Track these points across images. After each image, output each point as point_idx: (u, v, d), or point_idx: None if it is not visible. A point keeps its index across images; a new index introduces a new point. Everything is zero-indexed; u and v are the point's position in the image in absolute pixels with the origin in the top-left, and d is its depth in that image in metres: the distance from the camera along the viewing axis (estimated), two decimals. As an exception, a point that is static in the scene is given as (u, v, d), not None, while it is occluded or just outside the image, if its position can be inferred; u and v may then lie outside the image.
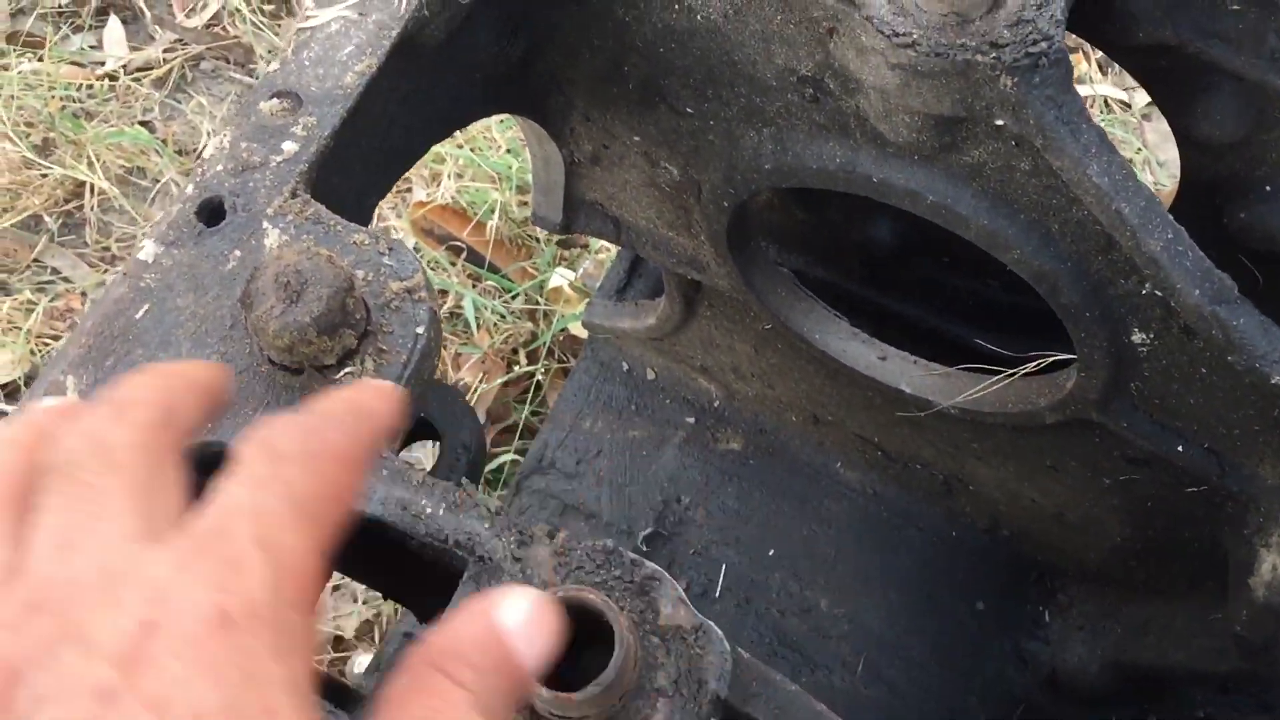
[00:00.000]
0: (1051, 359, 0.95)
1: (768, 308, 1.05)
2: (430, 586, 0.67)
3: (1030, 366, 0.96)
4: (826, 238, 1.22)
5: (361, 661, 1.38)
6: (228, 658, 0.32)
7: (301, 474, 0.38)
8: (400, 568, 0.66)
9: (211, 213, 0.64)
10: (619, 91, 0.88)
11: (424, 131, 0.80)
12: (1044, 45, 0.63)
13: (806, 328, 1.07)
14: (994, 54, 0.63)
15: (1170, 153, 1.66)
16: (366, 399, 0.45)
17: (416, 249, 1.61)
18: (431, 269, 1.58)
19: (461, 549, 0.56)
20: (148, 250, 0.63)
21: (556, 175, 1.04)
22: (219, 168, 0.65)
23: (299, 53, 0.68)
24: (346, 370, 0.58)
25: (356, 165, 0.73)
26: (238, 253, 0.63)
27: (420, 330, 0.60)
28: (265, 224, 0.63)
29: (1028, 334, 1.18)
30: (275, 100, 0.67)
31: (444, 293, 1.55)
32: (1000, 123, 0.67)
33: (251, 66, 2.01)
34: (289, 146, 0.65)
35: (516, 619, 0.40)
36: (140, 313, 0.61)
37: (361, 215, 0.76)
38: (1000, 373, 1.00)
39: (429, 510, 0.56)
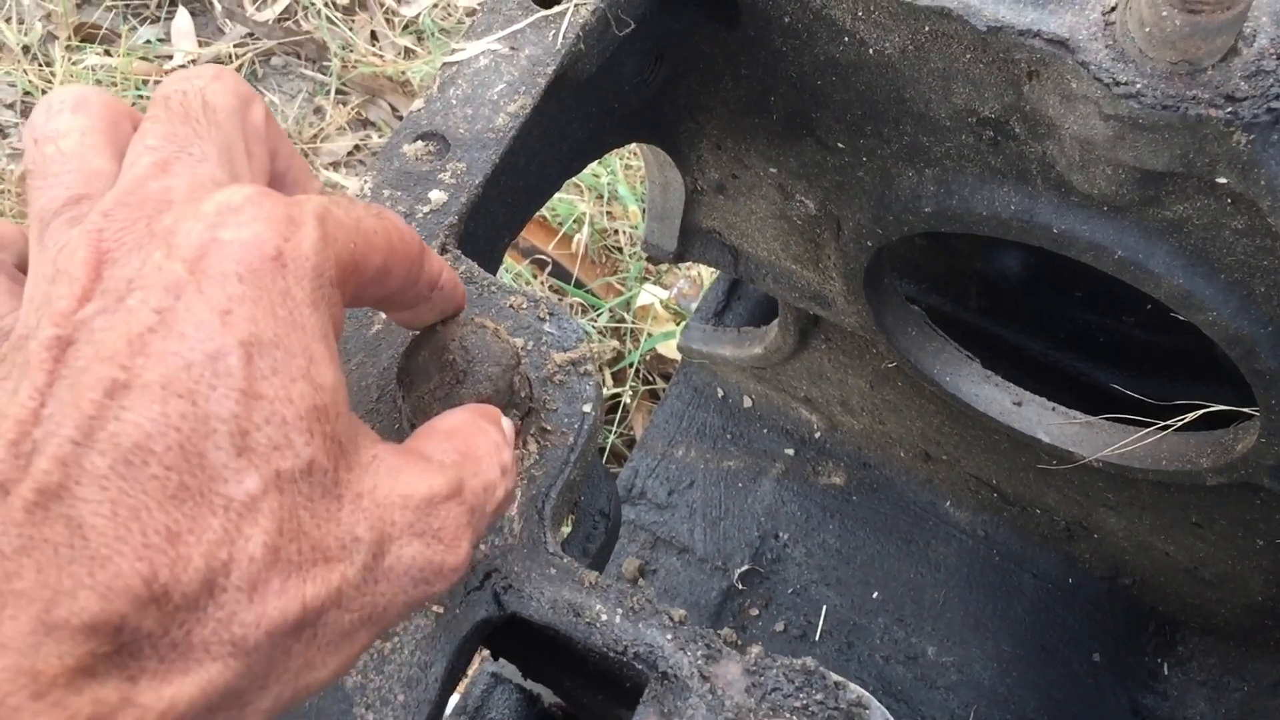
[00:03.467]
0: (1204, 411, 0.88)
1: (896, 348, 0.99)
2: (590, 680, 0.62)
3: (1185, 419, 0.90)
4: (946, 265, 1.16)
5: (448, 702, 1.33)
6: (277, 291, 0.36)
7: (373, 226, 0.41)
8: (555, 660, 0.61)
9: (353, 268, 0.58)
10: (760, 122, 0.82)
11: (560, 166, 0.74)
12: (1285, 98, 0.56)
13: (937, 370, 1.00)
14: (1230, 108, 0.56)
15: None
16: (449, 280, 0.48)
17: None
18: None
19: (641, 662, 0.50)
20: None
21: (675, 202, 0.98)
22: None
23: (445, 90, 0.62)
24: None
25: (496, 207, 0.67)
26: (383, 315, 0.57)
27: (587, 409, 0.54)
28: None
29: (1162, 375, 1.11)
30: (420, 143, 0.61)
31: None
32: (1223, 180, 0.60)
33: (325, 64, 1.95)
34: (437, 196, 0.59)
35: None
36: None
37: (493, 259, 0.70)
38: (1148, 424, 0.94)
39: (604, 617, 0.51)
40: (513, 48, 0.63)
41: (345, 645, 0.38)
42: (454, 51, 0.63)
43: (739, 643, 0.50)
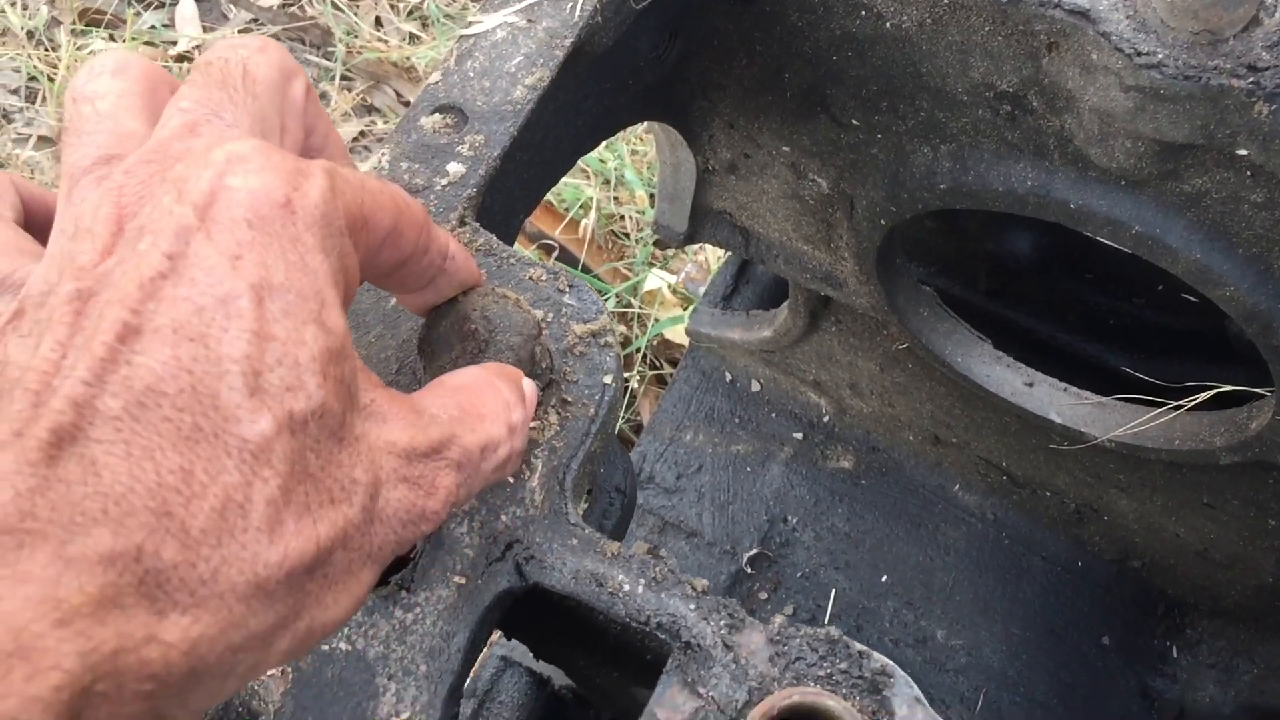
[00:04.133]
0: (1216, 390, 0.88)
1: (907, 329, 0.98)
2: (606, 657, 0.62)
3: (1198, 399, 0.89)
4: (956, 248, 1.15)
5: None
6: (287, 237, 0.37)
7: (378, 187, 0.42)
8: (571, 637, 0.61)
9: (371, 241, 0.58)
10: (773, 99, 0.82)
11: (574, 143, 0.73)
12: (1307, 68, 0.56)
13: (948, 351, 1.00)
14: (1251, 79, 0.56)
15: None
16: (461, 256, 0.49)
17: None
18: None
19: (665, 632, 0.50)
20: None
21: (687, 183, 0.97)
22: None
23: (462, 63, 0.62)
24: (530, 425, 0.52)
25: (511, 182, 0.66)
26: (402, 287, 0.57)
27: (608, 380, 0.54)
28: None
29: (1173, 357, 1.11)
30: (438, 115, 0.60)
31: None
32: (1243, 152, 0.60)
33: (329, 49, 1.95)
34: (455, 168, 0.59)
35: None
36: None
37: (508, 235, 0.70)
38: (1160, 404, 0.93)
39: (626, 587, 0.50)
40: (530, 20, 0.62)
41: (353, 584, 0.38)
42: (471, 24, 0.63)
43: (765, 616, 0.50)
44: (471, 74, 0.61)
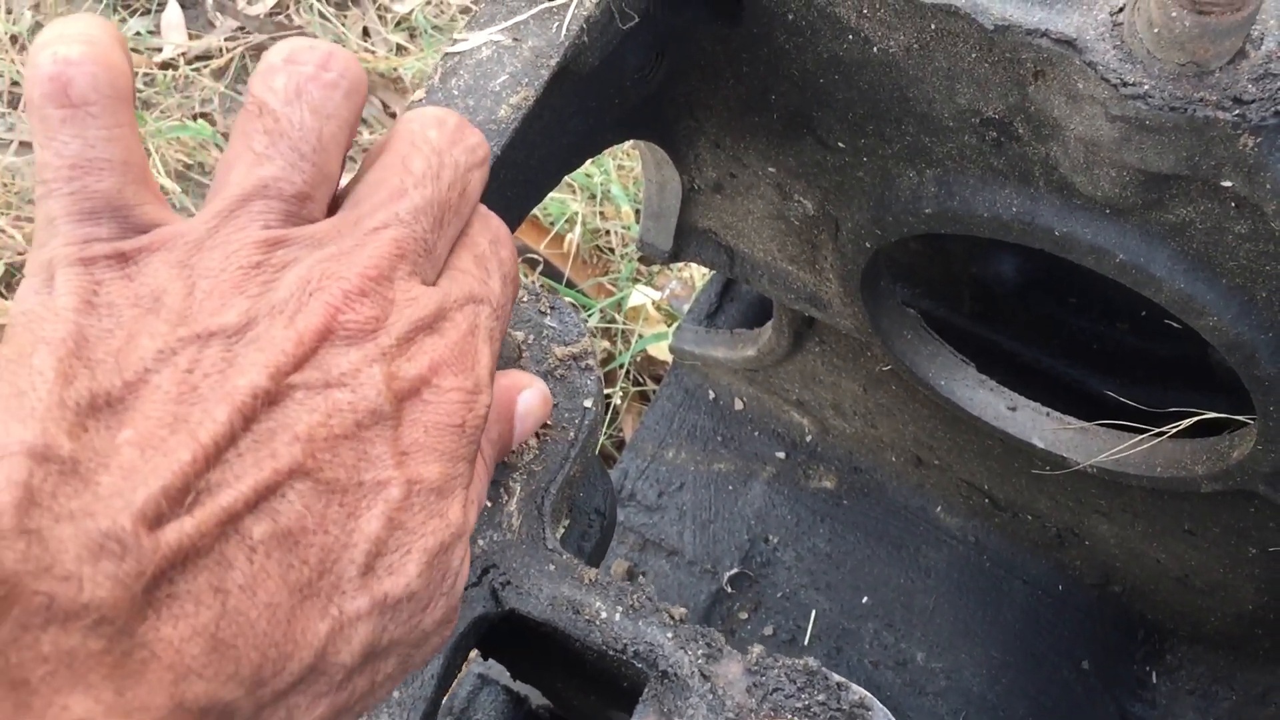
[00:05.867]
0: (1199, 418, 0.88)
1: (891, 351, 0.98)
2: (583, 681, 0.61)
3: (1180, 426, 0.89)
4: (940, 269, 1.15)
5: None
6: (448, 451, 0.39)
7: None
8: (548, 660, 0.60)
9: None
10: (760, 120, 0.81)
11: (559, 162, 0.73)
12: (1293, 102, 0.56)
13: (931, 374, 1.00)
14: (1237, 111, 0.56)
15: None
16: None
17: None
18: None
19: (641, 661, 0.49)
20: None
21: (671, 201, 0.97)
22: None
23: (447, 80, 0.61)
24: (511, 450, 0.51)
25: (495, 201, 0.66)
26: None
27: (588, 404, 0.54)
28: None
29: (1156, 383, 1.11)
30: (421, 133, 0.60)
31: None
32: (1228, 184, 0.60)
33: (315, 59, 1.94)
34: (437, 186, 0.58)
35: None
36: None
37: (491, 253, 0.69)
38: (1142, 430, 0.93)
39: (603, 614, 0.50)
40: (516, 39, 0.62)
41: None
42: (456, 42, 0.62)
43: (743, 645, 0.50)
44: (456, 92, 0.61)
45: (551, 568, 0.51)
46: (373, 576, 0.36)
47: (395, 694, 0.50)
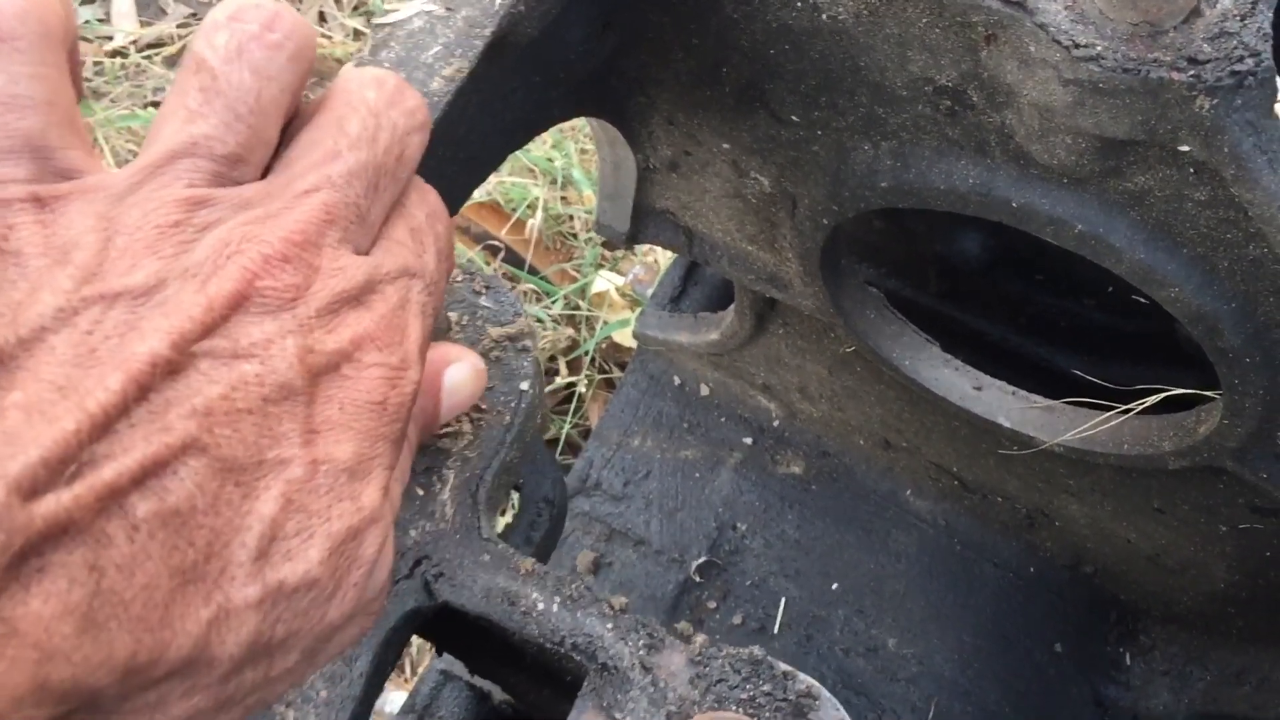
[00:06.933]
0: (1165, 394, 0.87)
1: (854, 331, 0.96)
2: (531, 673, 0.59)
3: (1146, 402, 0.88)
4: (904, 248, 1.13)
5: (394, 700, 1.29)
6: (367, 430, 0.37)
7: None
8: (496, 654, 0.58)
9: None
10: (712, 95, 0.79)
11: (503, 138, 0.70)
12: (1250, 63, 0.54)
13: (895, 354, 0.98)
14: (1192, 71, 0.54)
15: None
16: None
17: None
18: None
19: (580, 653, 0.47)
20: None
21: (627, 181, 0.95)
22: None
23: (377, 53, 0.59)
24: (446, 430, 0.49)
25: (433, 179, 0.63)
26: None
27: (525, 386, 0.51)
28: None
29: (1123, 360, 1.10)
30: (349, 107, 0.57)
31: (477, 294, 1.45)
32: (1185, 149, 0.58)
33: (273, 48, 1.91)
34: (366, 162, 0.56)
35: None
36: None
37: (433, 234, 0.67)
38: (1110, 408, 0.92)
39: (540, 606, 0.48)
40: (449, 8, 0.60)
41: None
42: (387, 13, 0.60)
43: (685, 634, 0.48)
44: (387, 64, 0.59)
45: (486, 558, 0.49)
46: (266, 563, 0.33)
47: (323, 693, 0.48)
